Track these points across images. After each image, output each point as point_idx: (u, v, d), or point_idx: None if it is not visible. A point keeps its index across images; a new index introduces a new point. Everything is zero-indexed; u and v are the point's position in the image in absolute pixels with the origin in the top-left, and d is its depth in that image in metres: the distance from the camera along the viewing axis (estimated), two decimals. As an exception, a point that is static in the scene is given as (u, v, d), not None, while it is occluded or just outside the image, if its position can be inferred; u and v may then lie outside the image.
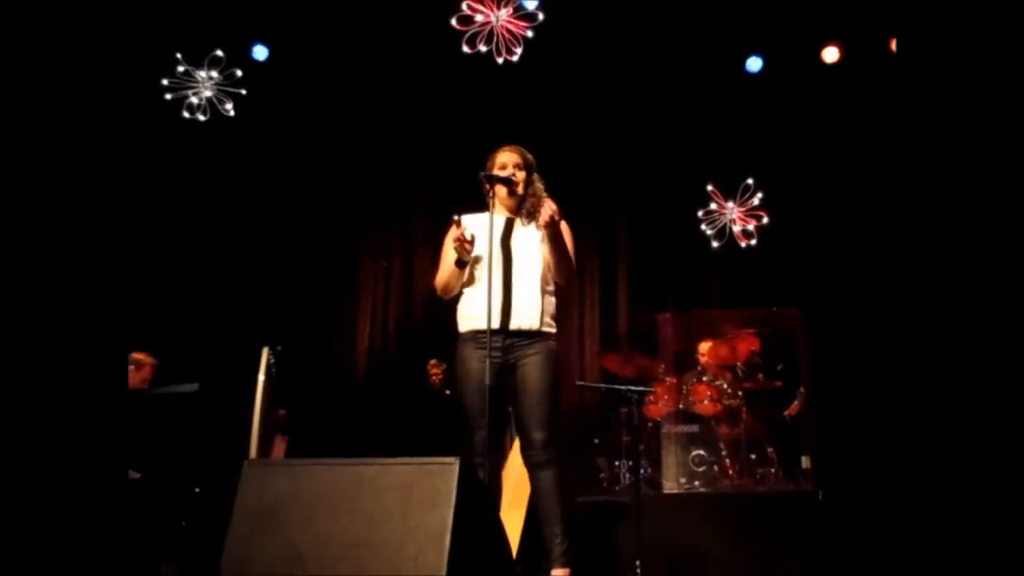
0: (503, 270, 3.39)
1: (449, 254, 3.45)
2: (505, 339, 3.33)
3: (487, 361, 3.24)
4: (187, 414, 4.46)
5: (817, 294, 6.38)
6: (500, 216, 3.50)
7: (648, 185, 7.28)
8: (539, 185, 3.54)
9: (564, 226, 3.45)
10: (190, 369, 4.53)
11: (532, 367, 3.30)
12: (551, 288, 3.47)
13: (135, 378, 5.24)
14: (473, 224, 3.41)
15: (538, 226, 3.40)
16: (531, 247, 3.44)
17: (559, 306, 3.54)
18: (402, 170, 7.73)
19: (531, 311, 3.35)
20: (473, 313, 3.37)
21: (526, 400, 3.31)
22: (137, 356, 5.31)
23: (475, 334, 3.33)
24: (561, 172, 3.72)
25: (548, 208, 3.27)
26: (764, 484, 5.68)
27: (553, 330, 3.43)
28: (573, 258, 3.48)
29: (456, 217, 3.49)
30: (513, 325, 3.33)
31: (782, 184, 6.92)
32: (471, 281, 3.43)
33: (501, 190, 3.45)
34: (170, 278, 6.99)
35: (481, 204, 3.42)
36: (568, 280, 3.50)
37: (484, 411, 3.21)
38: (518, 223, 3.50)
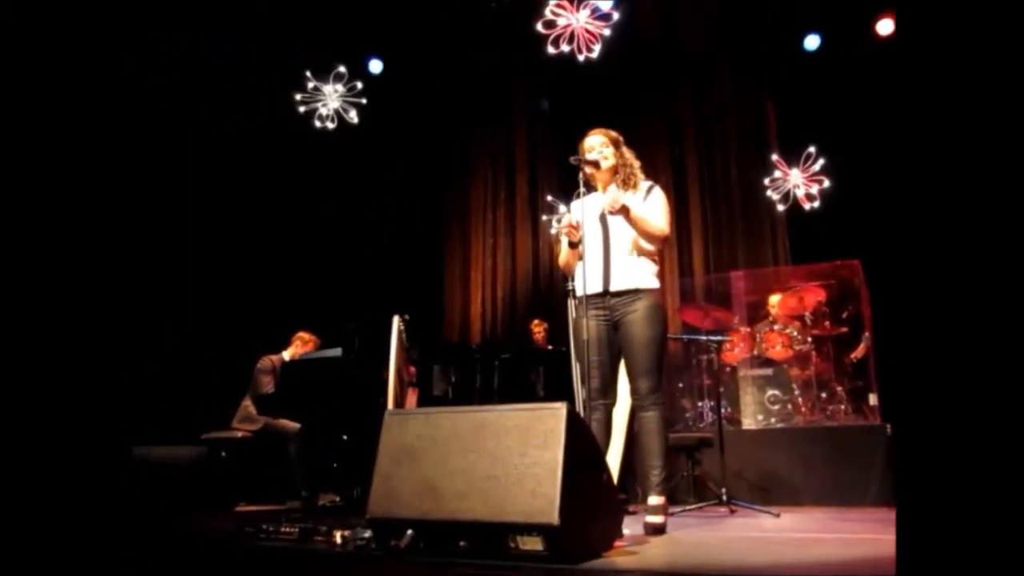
0: (602, 241, 3.36)
1: (564, 239, 3.44)
2: (608, 300, 3.31)
3: (593, 321, 3.28)
4: (332, 374, 4.58)
5: (877, 246, 6.09)
6: (600, 194, 3.47)
7: (718, 158, 7.12)
8: (628, 156, 3.47)
9: (658, 194, 3.42)
10: (339, 338, 4.67)
11: (633, 324, 3.26)
12: (648, 248, 3.37)
13: (302, 351, 5.46)
14: (577, 208, 3.37)
15: (633, 194, 3.38)
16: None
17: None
18: (503, 161, 7.82)
19: (627, 273, 3.30)
20: (581, 280, 3.35)
21: (631, 352, 3.28)
22: (303, 335, 5.56)
23: (585, 297, 3.30)
24: (643, 156, 3.63)
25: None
26: (834, 419, 5.51)
27: (653, 286, 3.33)
28: (665, 221, 3.36)
29: (564, 209, 3.53)
30: (613, 287, 3.30)
31: (841, 149, 6.61)
32: (581, 256, 3.38)
33: (599, 172, 3.42)
34: (329, 271, 7.43)
35: (574, 187, 3.37)
36: (659, 245, 3.39)
37: (595, 363, 3.24)
38: (617, 194, 3.43)
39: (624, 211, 3.23)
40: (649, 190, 3.43)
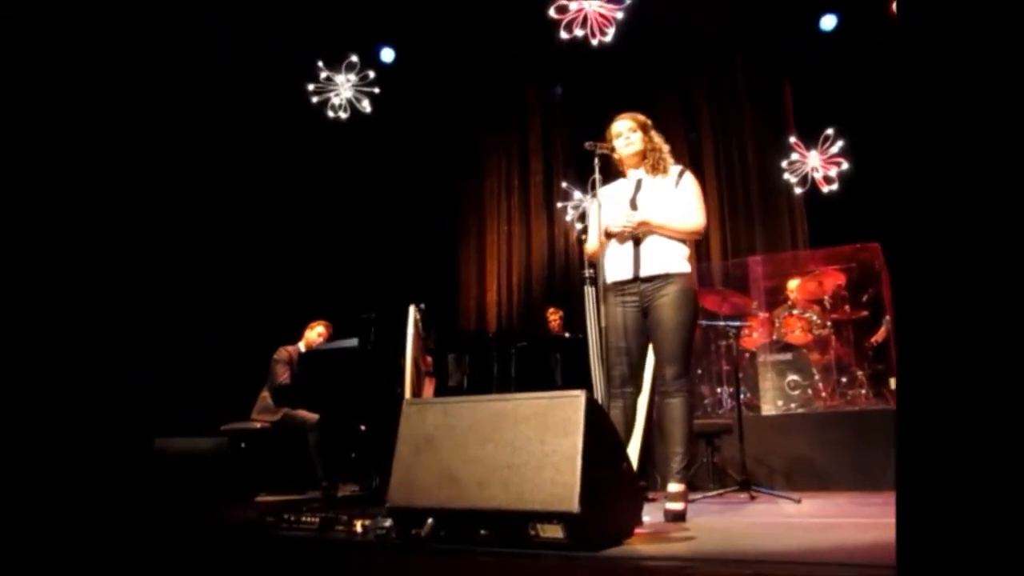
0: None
1: (593, 225, 3.37)
2: (639, 285, 3.27)
3: (621, 307, 3.26)
4: (349, 364, 4.59)
5: (897, 228, 6.03)
6: (630, 179, 3.45)
7: (735, 142, 7.07)
8: (657, 140, 3.42)
9: (690, 180, 3.37)
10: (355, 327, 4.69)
11: (663, 308, 3.22)
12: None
13: (317, 341, 5.49)
14: (607, 192, 3.34)
15: (663, 179, 3.36)
16: (656, 199, 3.31)
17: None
18: (517, 148, 7.80)
19: (658, 258, 3.25)
20: (609, 266, 3.33)
21: (659, 336, 3.24)
22: (317, 324, 5.59)
23: (614, 284, 3.28)
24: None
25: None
26: (854, 404, 5.48)
27: (684, 270, 3.27)
28: (699, 212, 3.32)
29: (579, 196, 3.52)
30: (643, 273, 3.26)
31: (860, 130, 6.54)
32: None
33: (627, 156, 3.40)
34: (345, 262, 7.45)
35: (589, 173, 3.33)
36: (696, 238, 3.38)
37: (621, 350, 3.23)
38: (646, 179, 3.40)
39: (644, 225, 3.23)
40: (680, 175, 3.38)
